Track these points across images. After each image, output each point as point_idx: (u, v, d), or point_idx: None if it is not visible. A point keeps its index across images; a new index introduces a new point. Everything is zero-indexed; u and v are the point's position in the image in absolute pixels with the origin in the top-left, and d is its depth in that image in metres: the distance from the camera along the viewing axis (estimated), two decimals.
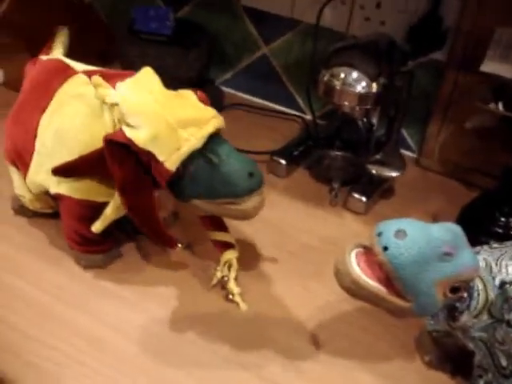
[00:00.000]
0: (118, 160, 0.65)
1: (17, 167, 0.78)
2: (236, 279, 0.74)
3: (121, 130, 0.65)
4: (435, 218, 0.89)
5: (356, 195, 0.89)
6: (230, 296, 0.73)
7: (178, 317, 0.72)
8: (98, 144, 0.67)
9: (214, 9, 1.12)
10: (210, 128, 0.63)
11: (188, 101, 0.66)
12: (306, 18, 1.02)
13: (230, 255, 0.75)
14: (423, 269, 0.54)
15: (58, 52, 0.79)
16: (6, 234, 0.81)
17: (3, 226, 0.83)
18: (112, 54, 1.12)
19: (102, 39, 1.18)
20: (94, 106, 0.70)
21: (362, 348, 0.70)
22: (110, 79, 0.70)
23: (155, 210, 0.69)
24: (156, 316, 0.72)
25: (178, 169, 0.63)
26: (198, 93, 0.68)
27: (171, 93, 0.66)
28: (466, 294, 0.58)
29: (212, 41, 1.11)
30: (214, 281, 0.75)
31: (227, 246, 0.75)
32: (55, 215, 0.79)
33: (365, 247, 0.60)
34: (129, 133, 0.63)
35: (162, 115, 0.62)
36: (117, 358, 0.66)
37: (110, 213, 0.71)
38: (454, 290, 0.56)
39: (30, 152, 0.74)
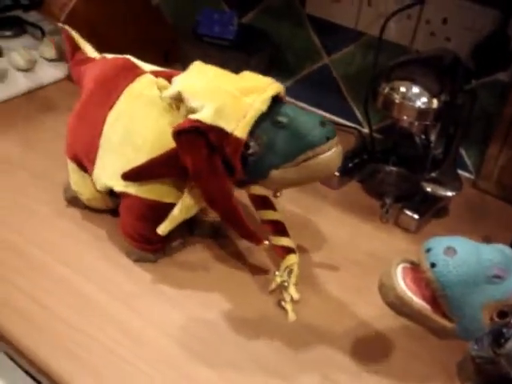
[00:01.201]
0: (189, 149, 0.65)
1: (77, 163, 0.79)
2: (296, 285, 0.73)
3: (186, 118, 0.66)
4: (487, 243, 0.86)
5: (408, 212, 0.88)
6: (283, 303, 0.72)
7: (222, 318, 0.71)
8: (166, 145, 0.68)
9: (278, 16, 1.12)
10: (270, 91, 0.64)
11: (245, 75, 0.68)
12: (370, 30, 1.01)
13: (292, 260, 0.74)
14: (471, 290, 0.53)
15: (87, 45, 0.82)
16: (58, 224, 0.83)
17: (55, 215, 0.84)
18: (174, 55, 1.13)
19: (166, 40, 1.19)
20: (162, 107, 0.71)
21: (400, 367, 0.68)
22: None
23: (233, 200, 0.68)
24: (200, 316, 0.71)
25: (251, 144, 0.63)
26: None
27: (227, 72, 0.68)
28: None
29: (274, 48, 1.11)
30: (273, 285, 0.73)
31: (288, 250, 0.75)
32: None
33: (412, 263, 0.59)
34: (194, 116, 0.64)
35: (222, 87, 0.64)
36: (154, 354, 0.66)
37: (178, 214, 0.70)
38: (502, 314, 0.54)
39: (95, 148, 0.75)
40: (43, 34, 1.23)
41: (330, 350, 0.69)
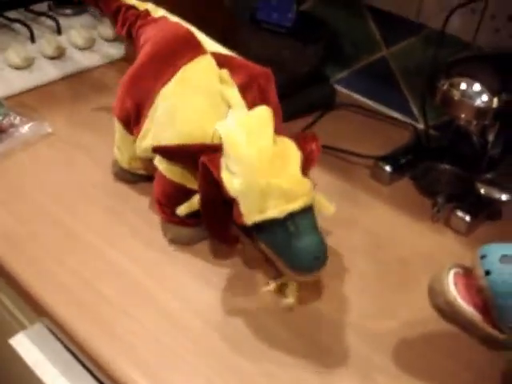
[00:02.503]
0: (205, 181, 0.66)
1: (124, 125, 0.80)
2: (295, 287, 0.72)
3: (219, 160, 0.66)
4: None
5: (460, 213, 0.85)
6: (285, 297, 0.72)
7: (257, 308, 0.71)
8: (205, 138, 0.69)
9: (337, 5, 1.10)
10: (296, 205, 0.63)
11: (290, 165, 0.65)
12: (432, 23, 0.98)
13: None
14: None
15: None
16: (105, 202, 0.84)
17: (104, 193, 0.85)
18: (232, 41, 1.12)
19: (225, 26, 1.19)
20: (212, 100, 0.71)
21: (442, 373, 0.66)
22: (237, 70, 0.72)
23: (228, 219, 0.69)
24: (240, 305, 0.71)
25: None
26: (312, 146, 0.68)
27: (277, 148, 0.65)
28: None
29: (331, 37, 1.09)
30: (265, 289, 0.73)
31: None
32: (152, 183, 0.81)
33: (465, 269, 0.56)
34: (224, 175, 0.65)
35: (259, 178, 0.63)
36: (198, 344, 0.66)
37: (196, 202, 0.71)
38: None
39: (144, 115, 0.75)
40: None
41: (371, 350, 0.68)
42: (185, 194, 0.73)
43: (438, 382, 0.65)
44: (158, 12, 0.84)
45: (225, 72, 0.71)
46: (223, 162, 0.65)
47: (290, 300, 0.71)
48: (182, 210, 0.73)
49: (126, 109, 0.78)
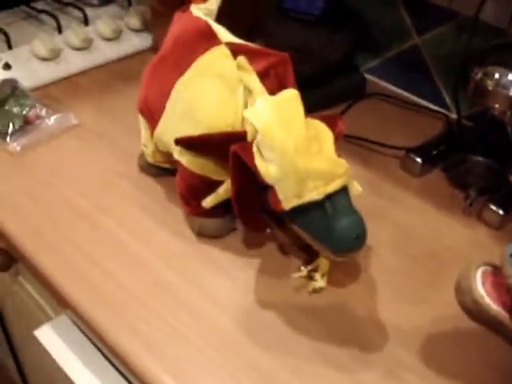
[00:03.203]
0: (237, 171, 0.65)
1: (145, 118, 0.80)
2: (323, 276, 0.71)
3: (251, 148, 0.64)
4: None
5: (493, 207, 0.82)
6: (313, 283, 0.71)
7: (287, 306, 0.70)
8: (225, 126, 0.68)
9: None
10: (335, 185, 0.62)
11: (324, 146, 0.64)
12: (466, 10, 0.95)
13: (324, 261, 0.72)
14: None
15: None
16: (130, 193, 0.83)
17: (129, 185, 0.84)
18: (258, 29, 1.10)
19: (252, 14, 1.17)
20: (229, 87, 0.70)
21: (469, 373, 0.64)
22: (252, 58, 0.70)
23: (258, 205, 0.68)
24: (262, 298, 0.70)
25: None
26: (339, 126, 0.67)
27: (310, 132, 0.64)
28: None
29: (361, 25, 1.07)
30: (296, 275, 0.72)
31: None
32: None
33: (494, 266, 0.54)
34: (258, 161, 0.63)
35: (296, 163, 0.61)
36: (216, 336, 0.66)
37: (222, 193, 0.70)
38: None
39: (161, 110, 0.75)
40: (130, 3, 1.23)
41: (396, 346, 0.66)
42: (209, 186, 0.72)
43: (463, 381, 0.63)
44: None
45: (242, 59, 0.70)
46: (255, 149, 0.64)
47: (319, 283, 0.71)
48: (209, 202, 0.73)
49: (145, 103, 0.78)
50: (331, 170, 0.62)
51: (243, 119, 0.68)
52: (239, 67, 0.70)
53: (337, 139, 0.66)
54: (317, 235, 0.64)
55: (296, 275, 0.72)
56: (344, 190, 0.63)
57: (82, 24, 1.16)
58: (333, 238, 0.62)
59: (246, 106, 0.69)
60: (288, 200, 0.63)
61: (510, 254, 0.50)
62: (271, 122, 0.63)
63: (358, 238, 0.62)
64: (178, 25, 0.79)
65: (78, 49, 1.10)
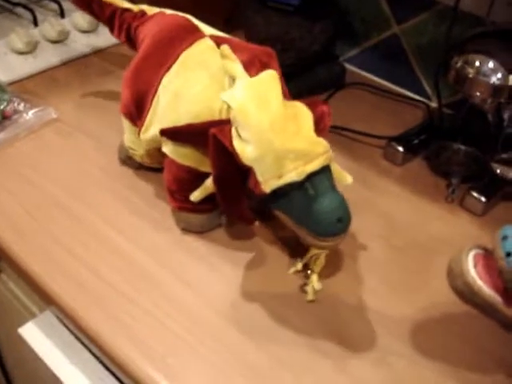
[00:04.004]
0: (217, 154, 0.64)
1: (130, 120, 0.79)
2: (319, 274, 0.70)
3: (230, 131, 0.64)
4: None
5: (475, 194, 0.83)
6: (306, 286, 0.70)
7: (265, 293, 0.70)
8: (212, 116, 0.67)
9: None
10: (315, 165, 0.61)
11: (303, 126, 0.63)
12: None
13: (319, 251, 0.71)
14: None
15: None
16: (111, 187, 0.82)
17: (109, 178, 0.84)
18: (236, 20, 1.10)
19: (228, 4, 1.16)
20: (215, 77, 0.69)
21: (458, 358, 0.64)
22: (236, 50, 0.69)
23: (243, 195, 0.68)
24: (249, 292, 0.70)
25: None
26: (322, 108, 0.66)
27: (288, 111, 0.63)
28: None
29: (340, 15, 1.07)
30: (292, 270, 0.72)
31: None
32: (161, 170, 0.79)
33: (486, 250, 0.55)
34: (236, 142, 0.63)
35: (272, 141, 0.60)
36: (204, 329, 0.65)
37: (210, 185, 0.69)
38: None
39: (147, 107, 0.74)
40: None
41: (386, 334, 0.66)
42: (197, 177, 0.71)
43: (453, 366, 0.64)
44: (153, 10, 0.83)
45: (226, 47, 0.69)
46: (234, 131, 0.63)
47: (317, 285, 0.70)
48: (197, 195, 0.72)
49: (129, 103, 0.77)
50: (310, 150, 0.61)
51: (228, 108, 0.67)
52: (223, 56, 0.69)
53: (320, 123, 0.65)
54: (299, 219, 0.63)
55: (291, 270, 0.72)
56: (325, 170, 0.62)
57: (59, 16, 1.14)
58: (314, 221, 0.61)
59: None
60: (267, 182, 0.62)
61: (502, 236, 0.51)
62: (246, 101, 0.62)
63: (340, 221, 0.61)
64: (152, 25, 0.78)
65: (54, 42, 1.08)
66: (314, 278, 0.70)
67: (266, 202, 0.65)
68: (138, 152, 0.81)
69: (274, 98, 0.63)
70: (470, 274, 0.53)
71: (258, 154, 0.61)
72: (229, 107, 0.65)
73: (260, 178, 0.62)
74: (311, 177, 0.61)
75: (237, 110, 0.63)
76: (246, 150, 0.62)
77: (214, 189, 0.67)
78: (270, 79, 0.65)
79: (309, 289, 0.69)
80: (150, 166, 0.83)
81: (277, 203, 0.64)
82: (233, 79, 0.68)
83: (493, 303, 0.53)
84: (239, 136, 0.63)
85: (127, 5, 0.85)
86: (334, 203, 0.61)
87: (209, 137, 0.64)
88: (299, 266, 0.72)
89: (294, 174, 0.60)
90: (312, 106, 0.65)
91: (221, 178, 0.66)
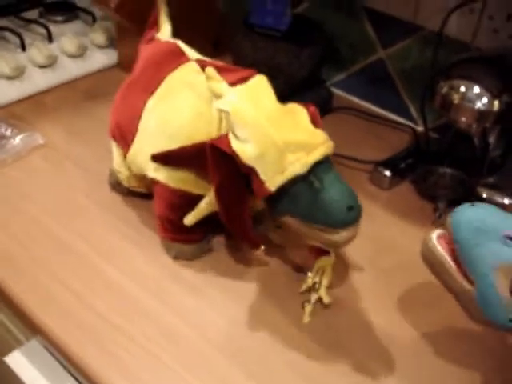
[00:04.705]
0: (218, 166, 0.64)
1: (118, 143, 0.79)
2: (328, 287, 0.71)
3: (227, 137, 0.63)
4: None
5: None
6: (305, 303, 0.70)
7: (258, 321, 0.69)
8: (201, 138, 0.67)
9: (332, 6, 1.08)
10: (317, 155, 0.61)
11: (300, 120, 0.63)
12: (430, 24, 0.97)
13: (325, 262, 0.72)
14: (481, 242, 0.55)
15: (165, 26, 0.80)
16: (100, 215, 0.82)
17: (99, 206, 0.83)
18: (224, 45, 1.10)
19: (217, 29, 1.17)
20: (202, 99, 0.69)
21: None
22: (223, 73, 0.69)
23: (247, 213, 0.67)
24: (237, 317, 0.70)
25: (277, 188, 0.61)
26: (311, 108, 0.66)
27: (283, 108, 0.64)
28: None
29: (327, 40, 1.07)
30: (305, 287, 0.72)
31: (323, 252, 0.72)
32: (149, 197, 0.79)
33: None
34: (235, 144, 0.62)
35: (271, 135, 0.60)
36: (191, 356, 0.65)
37: (204, 207, 0.69)
38: None
39: (133, 132, 0.74)
40: (94, 19, 1.22)
41: (369, 359, 0.66)
42: (190, 201, 0.71)
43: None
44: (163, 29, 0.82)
45: (211, 69, 0.68)
46: (231, 135, 0.63)
47: (325, 299, 0.70)
48: (191, 219, 0.71)
49: (114, 127, 0.77)
50: (310, 140, 0.61)
51: (218, 128, 0.67)
52: (208, 78, 0.69)
53: (313, 121, 0.65)
54: (308, 216, 0.61)
55: (303, 288, 0.71)
56: (327, 161, 0.62)
57: (46, 41, 1.14)
58: (324, 212, 0.60)
59: (220, 115, 0.67)
60: (271, 179, 0.61)
61: (452, 221, 0.59)
62: (241, 102, 0.63)
63: (351, 209, 0.60)
64: (145, 52, 0.78)
65: (42, 66, 1.08)
66: (323, 291, 0.70)
67: (271, 206, 0.64)
68: (124, 174, 0.81)
69: (267, 97, 0.64)
70: (432, 241, 0.61)
71: (259, 150, 0.61)
72: (221, 121, 0.66)
73: (263, 176, 0.61)
74: (315, 168, 0.60)
75: (233, 111, 0.63)
76: (246, 149, 0.62)
77: (216, 201, 0.66)
78: (261, 82, 0.66)
79: (307, 309, 0.70)
80: (137, 190, 0.83)
81: (283, 204, 0.62)
82: (219, 97, 0.67)
83: (447, 268, 0.60)
84: (237, 138, 0.63)
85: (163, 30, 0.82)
86: (342, 191, 0.60)
87: (206, 150, 0.63)
88: (309, 280, 0.71)
89: (297, 165, 0.60)
90: (303, 106, 0.66)
91: (222, 190, 0.65)
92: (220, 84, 0.67)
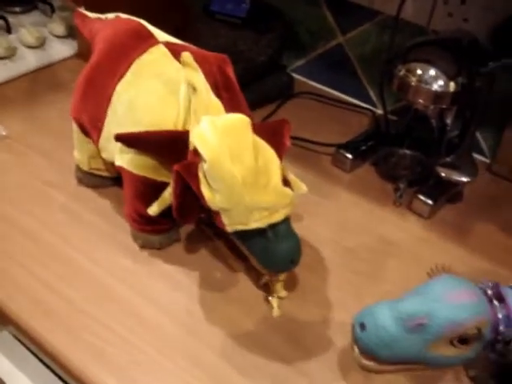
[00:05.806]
0: (180, 192, 0.64)
1: (80, 126, 0.79)
2: (283, 282, 0.71)
3: (196, 171, 0.63)
4: (504, 228, 0.85)
5: (422, 197, 0.86)
6: (269, 298, 0.71)
7: (225, 303, 0.71)
8: (166, 126, 0.68)
9: None
10: (279, 217, 0.63)
11: (271, 178, 0.64)
12: (387, 9, 0.99)
13: None
14: (398, 345, 0.59)
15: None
16: (67, 205, 0.82)
17: (65, 197, 0.83)
18: (185, 31, 1.11)
19: (178, 16, 1.17)
20: (170, 85, 0.69)
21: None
22: (193, 57, 0.69)
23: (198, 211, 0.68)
24: (206, 302, 0.71)
25: None
26: (285, 142, 0.68)
27: (260, 167, 0.63)
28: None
29: (286, 26, 1.09)
30: (263, 280, 0.72)
31: None
32: (118, 185, 0.79)
33: None
34: (205, 190, 0.63)
35: (243, 196, 0.62)
36: (163, 340, 0.66)
37: (168, 196, 0.69)
38: (462, 341, 0.59)
39: (103, 118, 0.73)
40: (53, 10, 1.21)
41: (333, 341, 0.68)
42: (155, 188, 0.70)
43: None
44: (110, 16, 0.82)
45: (187, 55, 0.68)
46: (201, 175, 0.63)
47: (282, 293, 0.71)
48: (155, 209, 0.71)
49: (83, 111, 0.76)
50: (277, 202, 0.63)
51: (185, 119, 0.68)
52: (184, 63, 0.69)
53: (279, 152, 0.67)
54: (256, 255, 0.66)
55: (262, 281, 0.72)
56: (285, 218, 0.65)
57: (5, 32, 1.13)
58: (270, 260, 0.65)
59: (188, 105, 0.68)
60: (232, 226, 0.64)
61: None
62: (219, 152, 0.62)
63: (292, 262, 0.65)
64: (106, 29, 0.78)
65: (1, 58, 1.07)
66: (279, 286, 0.71)
67: (224, 225, 0.66)
68: (84, 156, 0.81)
69: (246, 150, 0.63)
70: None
71: (228, 205, 0.62)
72: (187, 111, 0.67)
73: (226, 221, 0.64)
74: (274, 224, 0.63)
75: (210, 162, 0.62)
76: (215, 198, 0.63)
77: (175, 215, 0.66)
78: (243, 126, 0.65)
79: (274, 301, 0.71)
80: (100, 173, 0.83)
81: (238, 237, 0.67)
82: (193, 89, 0.68)
83: None
84: (207, 182, 0.63)
85: (94, 15, 0.84)
86: (291, 248, 0.65)
87: (172, 172, 0.64)
88: (267, 276, 0.71)
89: (259, 223, 0.63)
90: (278, 136, 0.68)
91: (182, 207, 0.66)
92: (196, 74, 0.68)
